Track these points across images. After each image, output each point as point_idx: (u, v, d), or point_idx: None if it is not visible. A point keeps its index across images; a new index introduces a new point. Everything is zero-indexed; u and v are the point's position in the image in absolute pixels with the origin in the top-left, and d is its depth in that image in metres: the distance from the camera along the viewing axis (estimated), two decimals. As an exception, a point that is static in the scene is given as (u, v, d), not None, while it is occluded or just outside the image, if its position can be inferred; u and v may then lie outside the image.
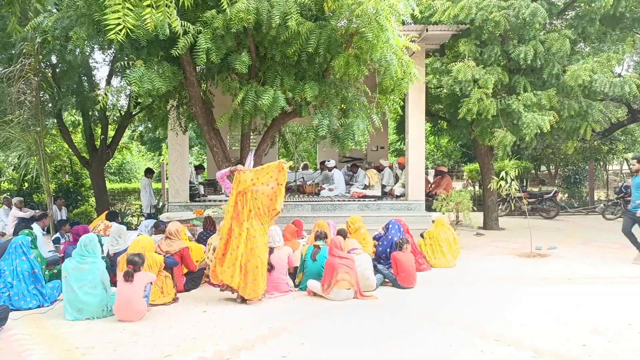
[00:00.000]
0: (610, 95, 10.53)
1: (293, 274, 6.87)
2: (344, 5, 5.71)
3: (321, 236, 7.03)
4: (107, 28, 2.55)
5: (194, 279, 6.73)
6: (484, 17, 10.04)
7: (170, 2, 2.48)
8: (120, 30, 2.52)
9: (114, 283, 5.83)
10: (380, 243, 7.75)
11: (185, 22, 5.43)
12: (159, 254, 6.24)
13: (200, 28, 5.93)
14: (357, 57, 7.02)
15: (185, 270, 6.67)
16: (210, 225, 8.26)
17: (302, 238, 8.41)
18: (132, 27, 2.57)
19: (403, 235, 7.67)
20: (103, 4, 2.61)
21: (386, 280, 6.81)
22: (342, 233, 7.22)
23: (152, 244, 6.06)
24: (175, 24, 3.02)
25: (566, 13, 12.00)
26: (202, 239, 7.97)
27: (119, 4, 2.39)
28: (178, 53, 5.94)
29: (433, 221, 8.76)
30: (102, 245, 6.54)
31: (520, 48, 10.14)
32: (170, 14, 2.55)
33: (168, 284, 6.14)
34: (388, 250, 7.37)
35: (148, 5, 2.51)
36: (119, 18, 2.45)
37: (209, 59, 6.17)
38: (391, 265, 6.86)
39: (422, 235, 8.30)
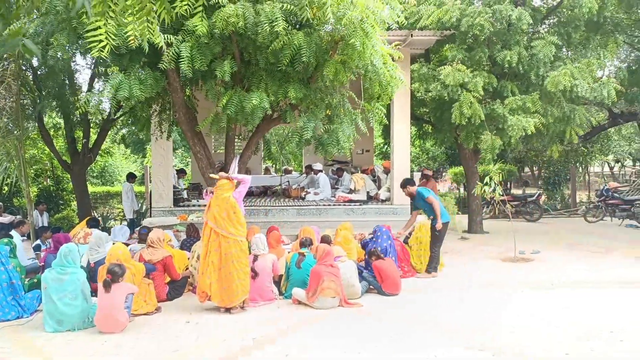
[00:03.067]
0: (591, 99, 10.65)
1: (278, 281, 6.82)
2: (329, 13, 5.69)
3: (306, 243, 7.00)
4: (90, 44, 2.48)
5: (177, 287, 6.65)
6: (469, 22, 10.11)
7: (153, 18, 2.42)
8: (104, 47, 2.45)
9: (95, 293, 5.73)
10: (367, 250, 7.70)
11: (168, 35, 5.38)
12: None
13: (183, 37, 5.87)
14: (344, 64, 7.01)
15: (168, 279, 6.59)
16: (194, 232, 8.17)
17: (285, 244, 8.37)
18: (114, 44, 2.50)
19: (392, 243, 7.66)
20: (83, 16, 2.55)
21: (371, 287, 6.80)
22: (326, 240, 7.19)
23: (127, 253, 5.95)
24: (158, 39, 2.96)
25: (549, 19, 12.11)
26: (185, 246, 7.88)
27: (101, 20, 2.33)
28: (165, 65, 5.89)
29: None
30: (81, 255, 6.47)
31: (505, 52, 10.22)
32: (153, 30, 2.50)
33: (151, 291, 6.06)
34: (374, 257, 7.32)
35: (130, 23, 2.45)
36: (102, 34, 2.39)
37: (193, 67, 6.10)
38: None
39: (406, 242, 8.29)
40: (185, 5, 2.48)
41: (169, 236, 7.54)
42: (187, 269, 7.09)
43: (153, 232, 6.72)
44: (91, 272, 6.32)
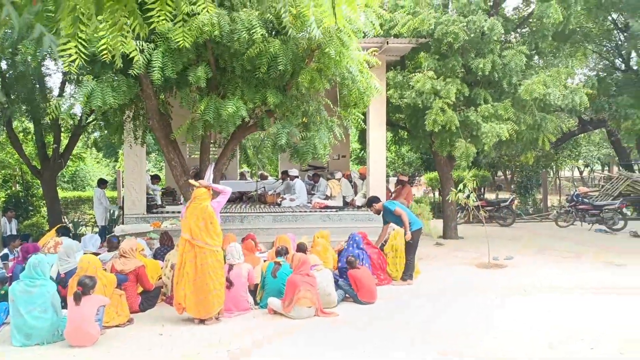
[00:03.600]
0: (563, 107, 10.88)
1: (254, 290, 6.76)
2: (306, 22, 5.69)
3: (282, 252, 6.96)
4: (61, 56, 2.41)
5: (150, 298, 6.52)
6: (443, 30, 10.24)
7: (127, 32, 2.37)
8: (74, 61, 2.39)
9: (66, 302, 5.59)
10: (340, 259, 7.70)
11: (141, 42, 5.29)
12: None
13: (155, 43, 5.79)
14: (320, 71, 7.01)
15: (141, 289, 6.46)
16: (167, 241, 8.04)
17: (261, 252, 8.32)
18: (86, 58, 2.44)
19: (362, 250, 7.68)
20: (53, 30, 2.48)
21: (347, 295, 6.79)
22: (302, 248, 7.16)
23: (97, 263, 5.82)
24: (134, 53, 2.90)
25: (521, 28, 12.35)
26: (159, 255, 7.74)
27: (72, 40, 2.26)
28: (136, 72, 5.78)
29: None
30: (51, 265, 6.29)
31: (478, 60, 10.38)
32: (127, 43, 2.45)
33: (123, 302, 5.93)
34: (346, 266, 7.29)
35: (103, 37, 2.40)
36: (72, 49, 2.32)
37: (164, 75, 6.01)
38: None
39: (382, 248, 8.32)
40: (161, 19, 2.43)
41: (141, 245, 7.40)
42: (160, 278, 6.97)
43: (125, 241, 6.60)
44: (61, 283, 6.17)
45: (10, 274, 6.91)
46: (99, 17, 2.30)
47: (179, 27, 3.23)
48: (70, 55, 2.40)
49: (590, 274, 8.32)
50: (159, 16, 2.51)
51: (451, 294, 7.22)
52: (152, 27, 2.49)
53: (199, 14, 5.85)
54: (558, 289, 7.39)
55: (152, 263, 7.16)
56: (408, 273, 7.90)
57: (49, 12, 2.33)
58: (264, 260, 7.39)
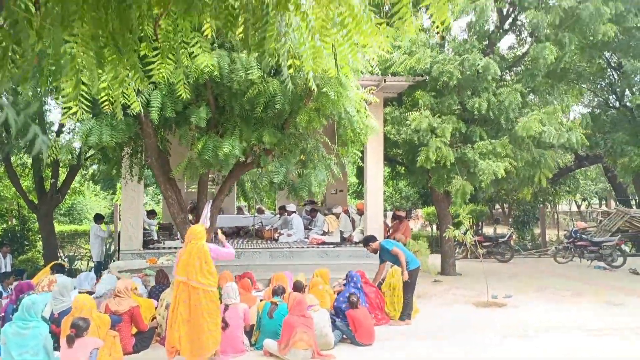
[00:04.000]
0: (559, 145, 10.97)
1: (250, 331, 6.66)
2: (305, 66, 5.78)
3: (278, 292, 6.88)
4: (63, 110, 2.45)
5: (144, 339, 6.42)
6: (439, 69, 10.41)
7: (128, 83, 2.41)
8: (75, 113, 2.42)
9: (58, 346, 5.49)
10: (337, 298, 7.60)
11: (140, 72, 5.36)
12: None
13: (155, 85, 5.86)
14: (318, 110, 7.08)
15: (135, 330, 6.36)
16: (163, 279, 7.96)
17: (258, 290, 8.23)
18: (87, 109, 2.46)
19: (359, 289, 7.60)
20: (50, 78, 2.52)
21: (345, 336, 6.69)
22: (298, 286, 7.09)
23: (92, 304, 5.74)
24: (135, 104, 2.94)
25: (516, 67, 12.57)
26: (154, 294, 7.65)
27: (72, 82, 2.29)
28: (134, 113, 5.83)
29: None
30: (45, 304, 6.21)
31: (474, 99, 10.52)
32: (129, 94, 2.48)
33: (117, 344, 5.83)
34: (343, 305, 7.19)
35: (104, 88, 2.43)
36: (72, 102, 2.35)
37: (163, 114, 6.08)
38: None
39: (379, 287, 8.24)
40: (162, 72, 2.47)
41: (135, 284, 7.31)
42: (154, 318, 6.88)
43: (120, 281, 6.54)
44: (55, 322, 6.08)
45: (3, 314, 6.81)
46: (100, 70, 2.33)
47: (180, 79, 3.26)
48: (70, 107, 2.43)
49: (589, 314, 8.23)
50: (159, 69, 2.55)
51: (450, 334, 7.12)
52: (152, 80, 2.52)
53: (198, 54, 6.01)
54: (558, 329, 7.30)
55: (145, 302, 7.07)
56: (406, 313, 7.81)
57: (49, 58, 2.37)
58: (260, 300, 7.30)
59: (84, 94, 2.43)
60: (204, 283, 5.77)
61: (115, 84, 2.36)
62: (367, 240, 8.44)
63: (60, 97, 2.30)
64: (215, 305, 5.89)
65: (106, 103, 2.56)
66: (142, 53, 2.53)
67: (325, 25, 2.85)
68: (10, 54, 1.87)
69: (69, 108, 2.37)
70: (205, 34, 2.89)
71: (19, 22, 1.71)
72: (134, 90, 3.04)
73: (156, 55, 2.49)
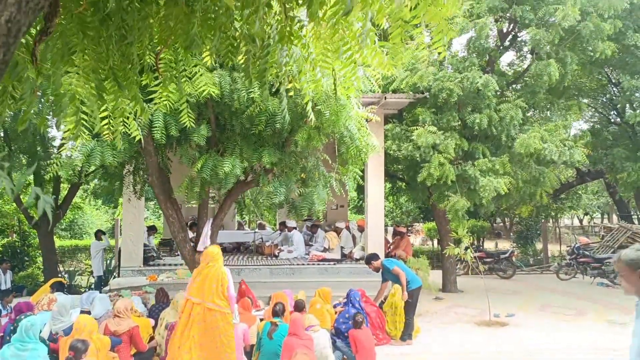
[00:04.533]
0: (560, 163, 10.97)
1: (249, 352, 6.60)
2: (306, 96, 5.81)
3: (279, 312, 6.82)
4: (64, 135, 2.46)
5: (144, 359, 6.37)
6: (439, 86, 10.44)
7: (130, 113, 2.42)
8: (77, 137, 2.43)
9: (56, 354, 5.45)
10: (337, 319, 7.53)
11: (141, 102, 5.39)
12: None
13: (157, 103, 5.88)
14: (317, 129, 7.09)
15: (134, 351, 6.31)
16: (163, 297, 7.90)
17: (259, 310, 8.18)
18: (87, 135, 2.48)
19: (360, 308, 7.54)
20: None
21: (345, 357, 6.63)
22: (299, 305, 7.04)
23: (94, 325, 5.69)
24: (135, 133, 2.95)
25: (516, 84, 12.61)
26: (153, 313, 7.59)
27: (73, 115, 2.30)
28: (137, 133, 5.85)
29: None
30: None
31: (475, 115, 10.53)
32: (130, 125, 2.49)
33: (116, 365, 5.79)
34: (344, 326, 7.11)
35: (104, 117, 2.44)
36: (73, 127, 2.36)
37: (168, 133, 6.10)
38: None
39: (381, 306, 8.19)
40: (164, 101, 2.48)
41: (133, 303, 7.26)
42: (152, 338, 6.82)
43: (120, 301, 6.49)
44: (53, 341, 6.04)
45: (1, 334, 6.76)
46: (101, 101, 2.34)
47: (184, 107, 3.28)
48: (71, 133, 2.43)
49: (593, 334, 8.18)
50: (161, 97, 2.56)
51: (453, 356, 7.06)
52: (155, 109, 2.53)
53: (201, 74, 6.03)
54: (561, 351, 7.24)
55: (142, 321, 6.99)
56: (407, 333, 7.75)
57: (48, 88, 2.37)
58: (261, 319, 7.25)
59: (84, 122, 2.44)
60: (221, 305, 5.74)
61: (116, 114, 2.37)
62: (369, 259, 8.41)
63: (61, 124, 2.30)
64: (232, 327, 5.86)
65: (107, 132, 2.57)
66: (143, 83, 2.54)
67: (326, 52, 2.87)
68: (10, 89, 1.88)
69: (70, 130, 2.38)
70: (205, 61, 2.90)
71: (19, 64, 1.72)
72: (138, 129, 3.05)
73: (158, 84, 2.50)
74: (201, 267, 5.94)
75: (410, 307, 7.76)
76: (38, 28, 1.73)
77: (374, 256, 8.50)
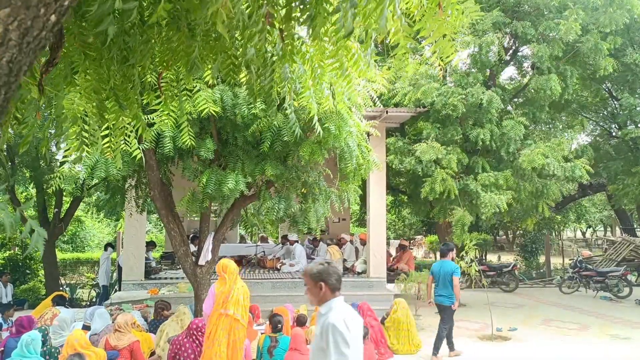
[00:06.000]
0: (562, 178, 10.96)
1: (251, 367, 6.57)
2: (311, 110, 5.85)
3: (279, 327, 6.80)
4: (65, 153, 2.48)
5: (144, 375, 6.34)
6: (442, 101, 10.47)
7: (130, 131, 2.44)
8: (80, 158, 2.45)
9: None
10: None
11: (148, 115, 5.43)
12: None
13: (160, 121, 5.92)
14: (320, 143, 7.12)
15: (135, 366, 6.28)
16: (163, 309, 7.88)
17: (260, 324, 8.14)
18: (89, 150, 2.50)
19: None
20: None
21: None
22: (302, 320, 7.02)
23: (85, 340, 5.67)
24: (136, 152, 2.98)
25: (517, 98, 12.65)
26: (152, 328, 7.56)
27: (75, 137, 2.33)
28: (145, 146, 5.89)
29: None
30: (47, 338, 6.15)
31: (477, 130, 10.55)
32: (131, 143, 2.52)
33: (114, 381, 5.76)
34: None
35: (105, 135, 2.46)
36: (77, 148, 2.39)
37: (175, 146, 6.14)
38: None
39: (382, 322, 8.14)
40: (164, 119, 2.50)
41: (134, 318, 7.24)
42: (153, 353, 6.79)
43: (121, 316, 6.47)
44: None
45: (2, 348, 6.74)
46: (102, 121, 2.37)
47: (184, 127, 3.31)
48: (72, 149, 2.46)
49: (596, 349, 8.10)
50: (161, 116, 2.58)
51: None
52: (155, 127, 2.55)
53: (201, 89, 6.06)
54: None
55: (143, 336, 6.96)
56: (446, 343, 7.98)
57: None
58: (261, 333, 7.22)
59: (85, 140, 2.46)
60: (245, 318, 5.76)
61: (117, 133, 2.39)
62: (447, 250, 8.09)
63: (61, 144, 2.33)
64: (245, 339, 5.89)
65: (108, 150, 2.59)
66: (145, 102, 2.57)
67: (324, 67, 2.89)
68: (14, 110, 1.90)
69: (72, 150, 2.40)
70: (206, 79, 2.93)
71: (22, 86, 1.75)
72: (139, 148, 3.06)
73: (159, 103, 2.52)
74: (221, 279, 5.86)
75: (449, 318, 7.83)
76: (44, 60, 1.77)
77: (452, 246, 8.25)
